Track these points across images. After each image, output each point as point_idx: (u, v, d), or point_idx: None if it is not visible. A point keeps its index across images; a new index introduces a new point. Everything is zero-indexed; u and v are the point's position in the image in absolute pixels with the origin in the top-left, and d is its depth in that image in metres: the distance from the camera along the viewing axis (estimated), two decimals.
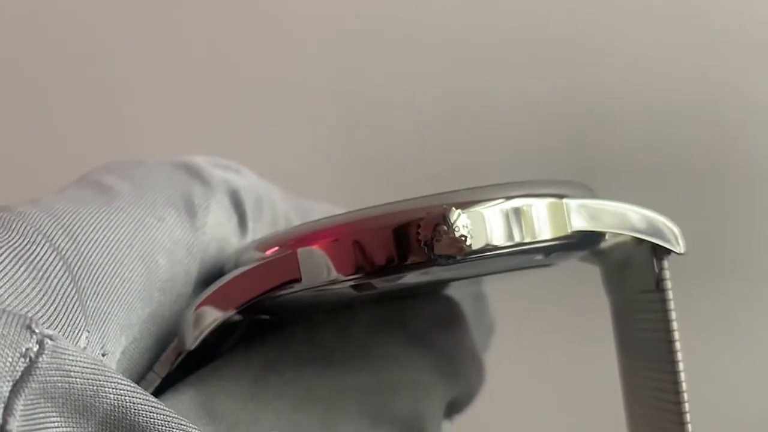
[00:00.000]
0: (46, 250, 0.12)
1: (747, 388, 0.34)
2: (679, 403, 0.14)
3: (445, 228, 0.12)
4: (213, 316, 0.13)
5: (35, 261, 0.12)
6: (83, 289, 0.12)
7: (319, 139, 0.33)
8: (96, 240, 0.13)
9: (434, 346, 0.15)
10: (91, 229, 0.13)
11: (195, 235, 0.14)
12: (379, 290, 0.13)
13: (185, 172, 0.15)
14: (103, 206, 0.14)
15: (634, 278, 0.14)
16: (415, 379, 0.15)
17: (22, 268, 0.12)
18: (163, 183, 0.15)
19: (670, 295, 0.13)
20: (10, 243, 0.12)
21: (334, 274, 0.12)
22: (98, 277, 0.13)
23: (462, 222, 0.12)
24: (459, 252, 0.12)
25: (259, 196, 0.16)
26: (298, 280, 0.13)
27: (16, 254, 0.12)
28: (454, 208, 0.12)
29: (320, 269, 0.12)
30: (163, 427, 0.12)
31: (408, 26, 0.33)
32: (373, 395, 0.14)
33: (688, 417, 0.13)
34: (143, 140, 0.33)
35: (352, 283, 0.13)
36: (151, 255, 0.14)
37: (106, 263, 0.13)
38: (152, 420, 0.12)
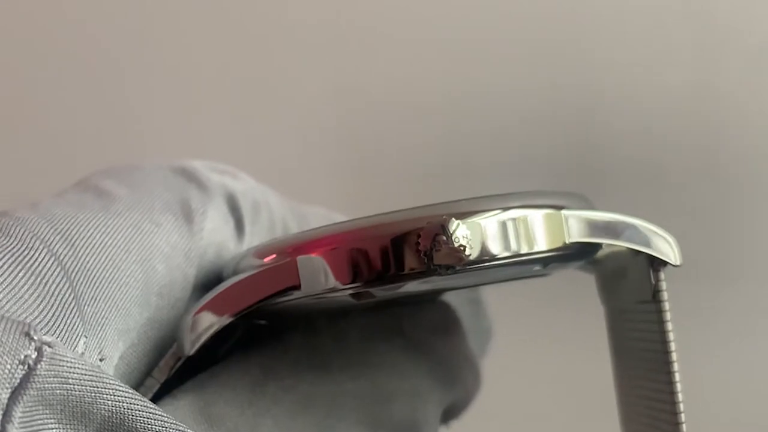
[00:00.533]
0: (44, 256, 0.12)
1: (743, 395, 0.33)
2: (675, 413, 0.14)
3: (445, 238, 0.12)
4: (211, 322, 0.13)
5: (33, 266, 0.12)
6: (81, 294, 0.12)
7: (319, 142, 0.33)
8: (93, 245, 0.13)
9: (431, 353, 0.15)
10: (89, 234, 0.13)
11: (192, 240, 0.14)
12: (378, 298, 0.13)
13: (182, 176, 0.15)
14: (101, 211, 0.14)
15: (630, 288, 0.14)
16: (412, 386, 0.15)
17: (21, 274, 0.12)
18: (161, 188, 0.15)
19: (667, 306, 0.13)
20: (9, 249, 0.12)
21: (333, 283, 0.12)
22: (96, 282, 0.13)
23: (461, 232, 0.12)
24: (458, 262, 0.12)
25: (256, 201, 0.16)
26: (297, 288, 0.13)
27: (14, 260, 0.12)
28: (453, 219, 0.12)
29: (319, 277, 0.12)
30: None
31: (408, 30, 0.32)
32: (371, 402, 0.14)
33: (684, 428, 0.14)
34: (144, 144, 0.33)
35: (350, 291, 0.13)
36: (149, 260, 0.14)
37: (104, 268, 0.13)
38: (150, 426, 0.12)
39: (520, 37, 0.33)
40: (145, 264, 0.14)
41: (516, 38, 0.33)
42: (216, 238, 0.15)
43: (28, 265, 0.12)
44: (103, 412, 0.11)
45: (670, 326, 0.13)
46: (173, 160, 0.15)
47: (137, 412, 0.12)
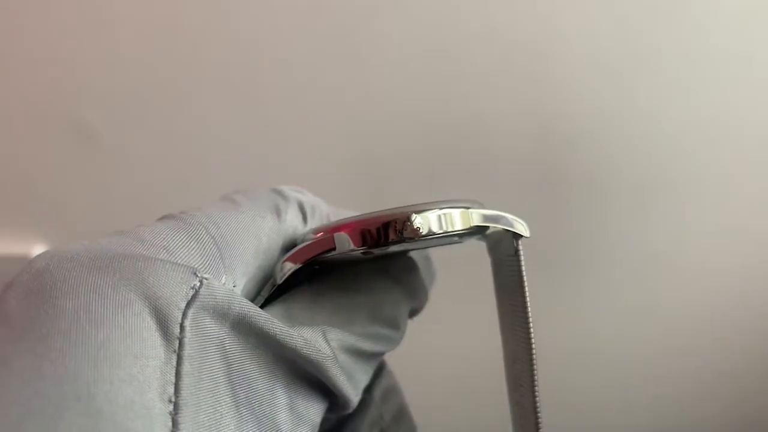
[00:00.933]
0: (204, 233, 0.15)
1: (567, 312, 0.40)
2: (526, 319, 0.16)
3: (409, 223, 0.15)
4: (290, 266, 0.16)
5: (198, 239, 0.15)
6: (223, 253, 0.15)
7: (341, 166, 0.37)
8: (230, 228, 0.16)
9: (403, 281, 0.18)
10: (228, 222, 0.16)
11: (280, 225, 0.17)
12: (375, 255, 0.16)
13: (276, 193, 0.18)
14: (234, 211, 0.16)
15: (503, 248, 0.17)
16: (393, 299, 0.18)
17: (192, 244, 0.15)
18: (265, 198, 0.17)
19: (522, 257, 0.16)
20: (186, 230, 0.15)
21: (352, 246, 0.15)
22: (231, 246, 0.15)
23: (418, 220, 0.15)
24: (416, 235, 0.15)
25: (313, 205, 0.19)
26: (333, 249, 0.16)
27: (189, 236, 0.15)
28: (414, 213, 0.15)
29: (345, 243, 0.15)
30: (264, 324, 0.14)
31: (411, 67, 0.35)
32: (373, 306, 0.17)
33: (531, 326, 0.16)
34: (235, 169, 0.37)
35: (361, 251, 0.15)
36: (258, 235, 0.16)
37: (235, 240, 0.16)
38: (258, 321, 0.14)
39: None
40: (257, 237, 0.16)
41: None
42: (293, 224, 0.18)
43: (196, 238, 0.15)
44: (234, 312, 0.14)
45: (523, 268, 0.16)
46: (271, 185, 0.18)
47: (251, 313, 0.14)
